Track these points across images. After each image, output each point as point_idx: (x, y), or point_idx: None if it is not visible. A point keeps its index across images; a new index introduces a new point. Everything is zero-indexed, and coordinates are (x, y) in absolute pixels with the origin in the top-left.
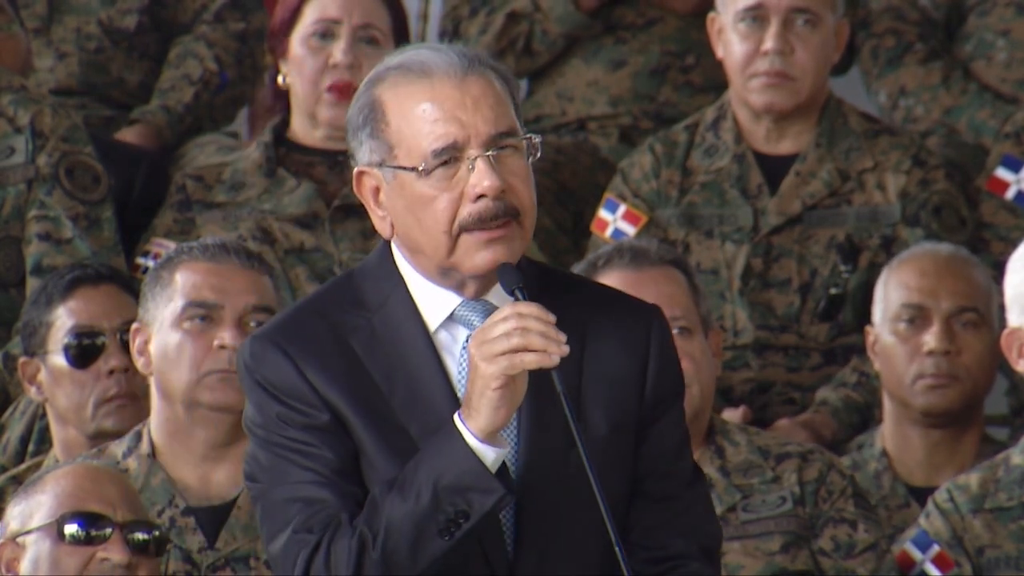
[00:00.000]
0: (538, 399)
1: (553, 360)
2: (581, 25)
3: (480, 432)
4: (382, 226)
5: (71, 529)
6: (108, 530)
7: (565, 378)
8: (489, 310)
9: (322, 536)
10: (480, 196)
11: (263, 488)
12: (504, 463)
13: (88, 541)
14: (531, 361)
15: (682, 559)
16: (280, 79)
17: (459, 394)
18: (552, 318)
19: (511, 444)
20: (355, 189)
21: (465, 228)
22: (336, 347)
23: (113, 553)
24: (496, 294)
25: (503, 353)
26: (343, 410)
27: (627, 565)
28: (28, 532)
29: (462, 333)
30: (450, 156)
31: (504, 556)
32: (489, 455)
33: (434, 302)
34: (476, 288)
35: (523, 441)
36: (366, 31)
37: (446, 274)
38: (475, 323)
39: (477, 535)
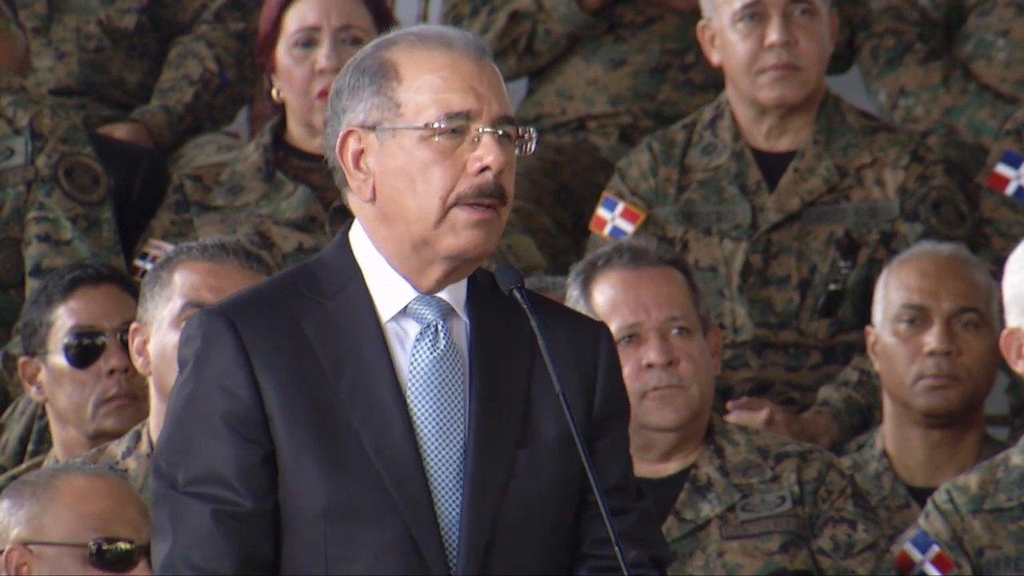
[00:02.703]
0: (491, 400)
1: None
2: (584, 25)
3: None
4: (363, 189)
5: (105, 553)
6: (135, 551)
7: (515, 384)
8: (443, 307)
9: None
10: (484, 169)
11: (163, 478)
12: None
13: (118, 566)
14: None
15: (637, 568)
16: (275, 93)
17: (404, 387)
18: None
19: (460, 441)
20: (336, 150)
21: (461, 200)
22: (289, 332)
23: None
24: (449, 291)
25: None
26: (274, 402)
27: (626, 565)
28: (48, 544)
29: (413, 327)
30: (460, 124)
31: (442, 552)
32: None
33: (389, 294)
34: (437, 277)
35: (472, 440)
36: (347, 32)
37: (419, 249)
38: (428, 317)
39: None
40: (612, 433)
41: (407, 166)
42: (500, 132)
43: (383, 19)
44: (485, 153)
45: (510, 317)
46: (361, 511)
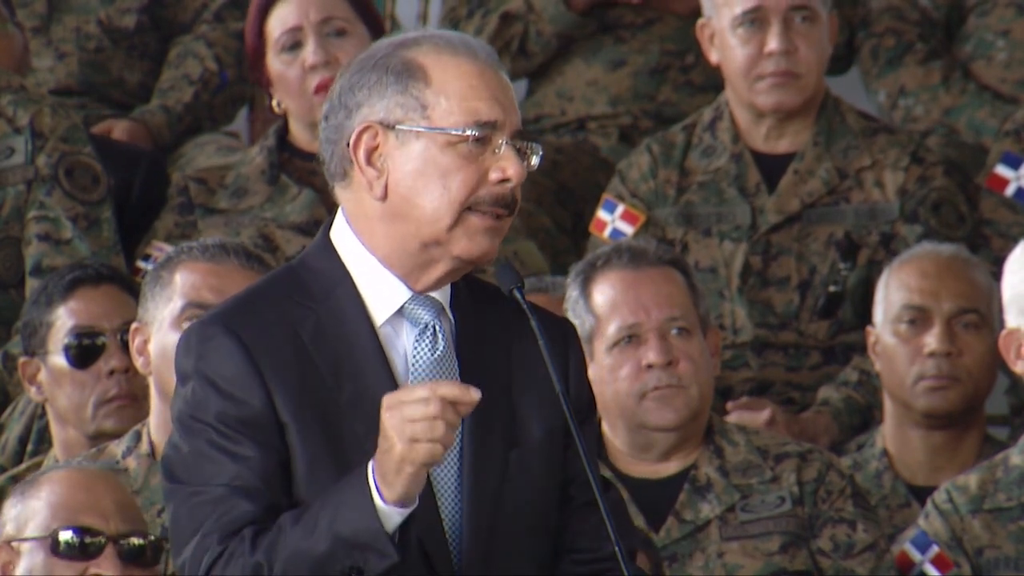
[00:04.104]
0: (481, 400)
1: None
2: (573, 24)
3: (393, 500)
4: (374, 186)
5: (64, 543)
6: (101, 540)
7: (501, 384)
8: (437, 307)
9: (227, 547)
10: (503, 180)
11: (180, 488)
12: (408, 520)
13: (81, 555)
14: (443, 454)
15: (613, 561)
16: (275, 105)
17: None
18: (475, 397)
19: (456, 443)
20: (350, 145)
21: (478, 206)
22: (286, 336)
23: (105, 568)
24: (439, 291)
25: (426, 440)
26: (286, 411)
27: (625, 563)
28: (23, 539)
29: (406, 328)
30: (487, 133)
31: (447, 556)
32: (394, 518)
33: (382, 295)
34: (437, 276)
35: (468, 442)
36: (329, 25)
37: (428, 248)
38: (424, 318)
39: (419, 537)
40: (584, 428)
41: (427, 168)
42: (517, 146)
43: (363, 8)
44: (508, 166)
45: (489, 317)
46: None
